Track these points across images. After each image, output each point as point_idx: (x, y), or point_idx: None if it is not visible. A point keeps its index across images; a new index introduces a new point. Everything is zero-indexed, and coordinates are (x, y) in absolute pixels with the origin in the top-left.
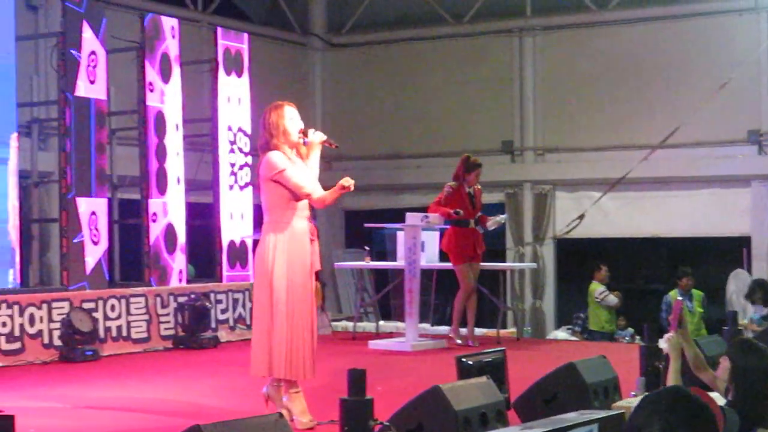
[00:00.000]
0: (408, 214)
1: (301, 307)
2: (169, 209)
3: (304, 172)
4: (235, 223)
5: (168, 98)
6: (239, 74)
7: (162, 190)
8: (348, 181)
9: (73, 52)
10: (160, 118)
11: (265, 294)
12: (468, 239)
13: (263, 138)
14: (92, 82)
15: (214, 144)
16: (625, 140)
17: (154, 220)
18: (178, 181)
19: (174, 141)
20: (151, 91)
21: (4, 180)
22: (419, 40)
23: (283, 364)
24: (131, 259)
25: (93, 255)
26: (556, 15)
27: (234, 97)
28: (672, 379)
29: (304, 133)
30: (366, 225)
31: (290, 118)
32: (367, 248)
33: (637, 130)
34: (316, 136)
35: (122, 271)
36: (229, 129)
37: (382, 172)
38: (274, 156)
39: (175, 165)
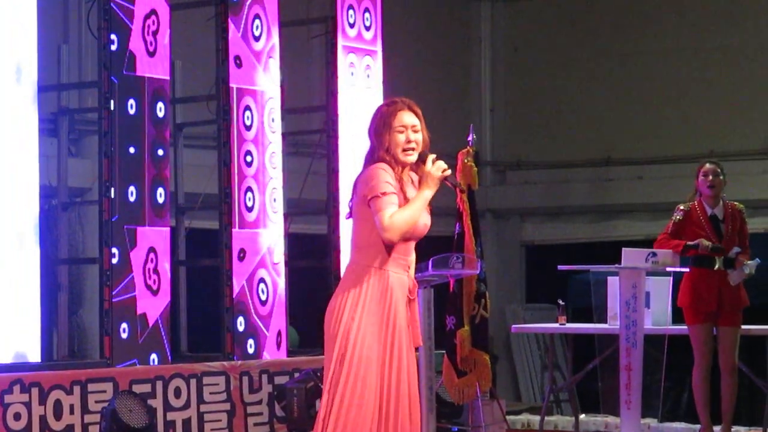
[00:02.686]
0: (625, 250)
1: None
2: (262, 244)
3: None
4: None
5: (261, 78)
6: (368, 41)
7: (251, 215)
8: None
9: (121, 7)
10: (248, 106)
11: (330, 367)
12: (710, 286)
13: (370, 146)
14: (150, 54)
15: (332, 145)
16: None
17: (239, 260)
18: (276, 202)
19: (270, 141)
20: (238, 66)
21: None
22: None
23: None
24: (204, 319)
25: (149, 312)
26: None
27: (361, 74)
28: None
29: (422, 159)
30: (560, 267)
31: (402, 125)
32: (560, 302)
33: None
34: (436, 168)
35: (191, 338)
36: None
37: (584, 187)
38: (378, 171)
39: (272, 178)
